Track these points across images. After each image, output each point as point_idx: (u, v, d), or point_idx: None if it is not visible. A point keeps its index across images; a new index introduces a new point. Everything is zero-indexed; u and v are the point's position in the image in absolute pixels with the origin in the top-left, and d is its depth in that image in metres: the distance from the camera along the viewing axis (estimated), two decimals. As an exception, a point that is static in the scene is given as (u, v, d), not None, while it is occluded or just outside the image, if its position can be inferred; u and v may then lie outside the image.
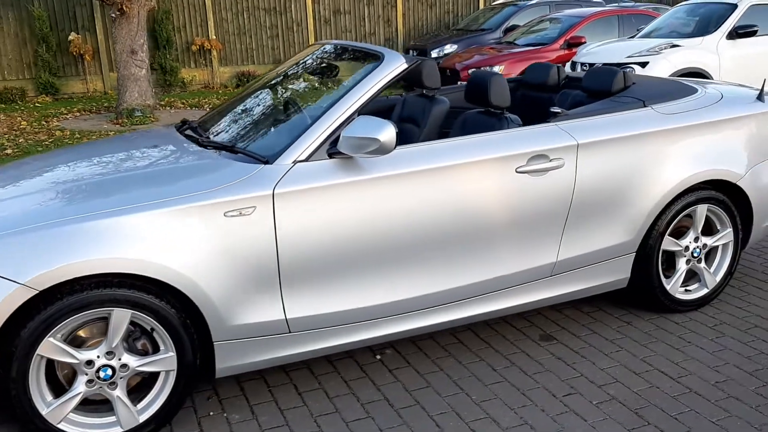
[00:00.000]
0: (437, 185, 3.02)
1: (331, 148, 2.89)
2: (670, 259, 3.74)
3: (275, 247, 2.79)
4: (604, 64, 8.92)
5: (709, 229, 3.81)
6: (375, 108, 4.46)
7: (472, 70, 11.11)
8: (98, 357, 2.64)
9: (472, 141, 3.15)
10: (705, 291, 3.81)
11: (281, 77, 3.72)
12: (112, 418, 2.72)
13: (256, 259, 2.77)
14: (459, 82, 11.22)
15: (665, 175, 3.47)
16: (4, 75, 12.83)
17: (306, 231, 2.82)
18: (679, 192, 3.50)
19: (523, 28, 12.45)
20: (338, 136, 2.87)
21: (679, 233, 3.72)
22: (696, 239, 3.71)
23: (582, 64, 9.36)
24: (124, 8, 10.32)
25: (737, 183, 3.66)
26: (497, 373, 3.23)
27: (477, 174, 3.10)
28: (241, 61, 14.35)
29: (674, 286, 3.70)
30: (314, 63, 3.66)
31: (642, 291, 3.70)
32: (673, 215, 3.55)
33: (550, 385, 3.11)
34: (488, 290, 3.24)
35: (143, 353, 2.76)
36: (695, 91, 3.81)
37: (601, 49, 9.40)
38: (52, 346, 2.54)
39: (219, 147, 3.14)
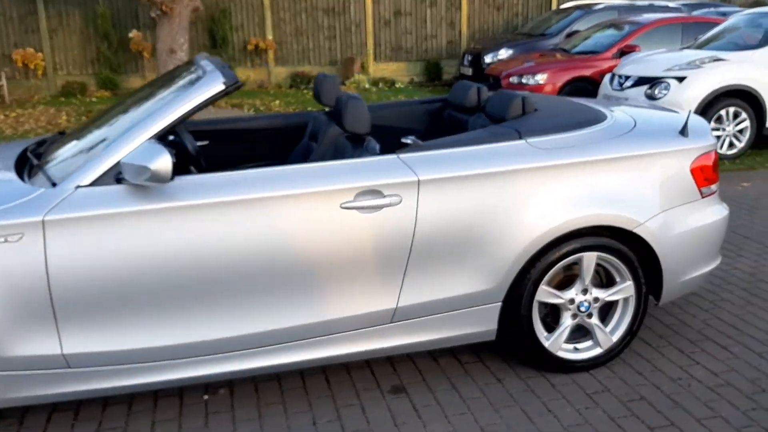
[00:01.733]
0: (243, 218, 2.76)
1: (119, 173, 2.70)
2: (558, 312, 3.29)
3: (46, 278, 2.62)
4: (640, 78, 8.27)
5: (612, 281, 3.32)
6: (295, 123, 4.24)
7: (513, 78, 10.61)
8: None
9: (296, 171, 2.86)
10: (598, 351, 3.32)
11: (132, 98, 3.54)
12: None
13: (26, 289, 2.61)
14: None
15: (532, 219, 3.03)
16: (69, 70, 13.46)
17: (82, 261, 2.63)
18: (551, 239, 3.05)
19: (582, 34, 11.75)
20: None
21: (570, 283, 3.26)
22: (584, 291, 3.24)
23: (619, 76, 8.67)
24: (164, 9, 10.53)
25: (634, 231, 3.16)
26: (315, 428, 2.92)
27: (293, 208, 2.80)
28: (297, 62, 14.39)
29: (555, 343, 3.24)
30: (161, 83, 3.45)
31: (515, 346, 3.28)
32: (550, 264, 3.11)
33: (358, 449, 2.78)
34: (312, 335, 2.94)
35: None
36: (601, 120, 3.34)
37: (642, 61, 8.67)
38: None
39: (32, 167, 3.03)
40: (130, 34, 13.33)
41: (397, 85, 13.96)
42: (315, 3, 14.29)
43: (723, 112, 7.80)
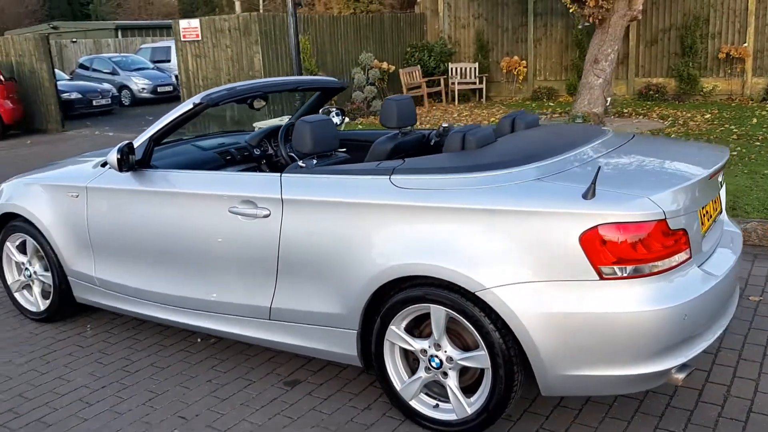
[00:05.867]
0: (172, 206, 3.65)
1: (122, 163, 3.90)
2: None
3: (86, 224, 4.02)
4: None
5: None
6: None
7: None
8: None
9: (215, 176, 3.58)
10: (452, 417, 2.99)
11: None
12: None
13: (79, 229, 4.07)
14: None
15: (374, 256, 3.00)
16: (546, 76, 14.72)
17: (102, 218, 3.95)
18: (388, 279, 2.96)
19: None
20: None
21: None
22: (437, 346, 2.97)
23: None
24: (593, 20, 10.80)
25: (477, 294, 2.75)
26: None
27: (200, 205, 3.57)
28: (781, 73, 12.50)
29: (407, 390, 3.08)
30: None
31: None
32: (396, 305, 3.00)
33: None
34: (211, 309, 3.63)
35: None
36: (521, 164, 2.90)
37: None
38: None
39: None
40: (601, 43, 13.74)
41: None
42: (818, 4, 12.11)
43: None
